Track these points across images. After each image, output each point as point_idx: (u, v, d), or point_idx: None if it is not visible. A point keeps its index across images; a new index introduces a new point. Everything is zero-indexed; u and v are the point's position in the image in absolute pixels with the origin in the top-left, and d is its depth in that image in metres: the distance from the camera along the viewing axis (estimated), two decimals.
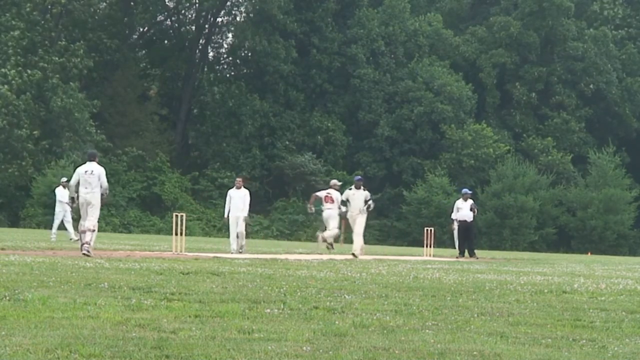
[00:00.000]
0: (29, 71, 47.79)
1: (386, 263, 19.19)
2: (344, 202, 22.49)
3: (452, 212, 38.63)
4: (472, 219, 26.54)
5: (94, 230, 17.05)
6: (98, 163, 17.60)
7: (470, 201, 26.65)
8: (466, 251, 26.54)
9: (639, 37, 66.24)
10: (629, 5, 66.99)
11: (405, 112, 58.21)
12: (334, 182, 23.81)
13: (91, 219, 17.10)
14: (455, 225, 36.78)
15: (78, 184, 17.42)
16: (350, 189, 22.61)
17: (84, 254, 16.38)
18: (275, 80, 57.91)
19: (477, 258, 26.22)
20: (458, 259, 25.12)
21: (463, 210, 26.28)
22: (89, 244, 16.77)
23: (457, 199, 27.53)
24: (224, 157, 56.22)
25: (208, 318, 7.26)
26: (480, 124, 58.84)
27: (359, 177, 23.96)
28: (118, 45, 55.48)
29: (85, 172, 17.33)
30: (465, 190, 27.94)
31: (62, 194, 27.47)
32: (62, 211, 27.40)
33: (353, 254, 21.38)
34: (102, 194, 17.33)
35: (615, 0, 66.22)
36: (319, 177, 55.39)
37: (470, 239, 27.03)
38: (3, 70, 47.33)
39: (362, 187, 22.53)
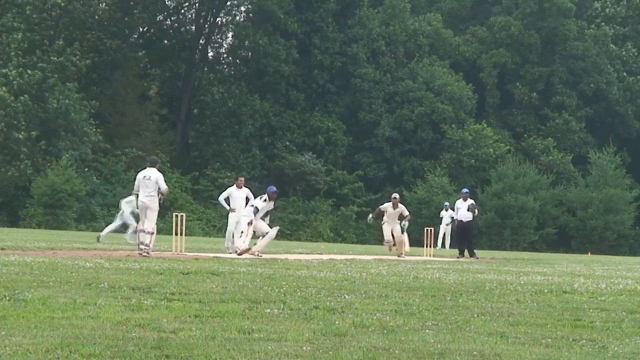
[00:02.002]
0: (29, 72, 47.76)
1: (386, 263, 19.20)
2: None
3: (442, 211, 38.66)
4: (470, 219, 26.43)
5: (152, 233, 18.20)
6: (158, 169, 18.89)
7: (469, 201, 26.59)
8: (466, 251, 26.54)
9: (639, 37, 66.23)
10: (630, 7, 66.90)
11: (405, 112, 58.20)
12: (395, 195, 26.43)
13: (149, 223, 18.28)
14: (445, 225, 36.97)
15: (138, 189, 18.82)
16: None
17: (141, 254, 17.51)
18: (275, 80, 57.89)
19: (477, 258, 26.22)
20: (458, 259, 25.15)
21: (461, 210, 26.25)
22: (148, 246, 17.94)
23: (457, 199, 27.50)
24: (224, 157, 56.20)
25: (208, 318, 7.26)
26: (480, 124, 58.82)
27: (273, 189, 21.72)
28: (118, 44, 55.44)
29: (144, 177, 18.61)
30: (464, 190, 27.91)
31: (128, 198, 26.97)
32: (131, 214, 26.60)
33: (259, 255, 20.12)
34: (160, 197, 18.60)
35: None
36: (319, 177, 55.39)
37: (470, 239, 26.95)
38: (4, 70, 47.30)
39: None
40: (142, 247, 17.93)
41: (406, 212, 25.61)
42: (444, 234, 38.02)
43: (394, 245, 25.35)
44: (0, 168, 46.43)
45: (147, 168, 18.87)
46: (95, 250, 19.66)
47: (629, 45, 64.26)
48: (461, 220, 26.19)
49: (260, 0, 56.78)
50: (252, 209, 20.91)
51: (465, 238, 26.55)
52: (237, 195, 21.65)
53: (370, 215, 26.60)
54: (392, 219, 25.23)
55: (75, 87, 50.09)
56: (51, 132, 48.98)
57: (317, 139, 57.64)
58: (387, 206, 25.39)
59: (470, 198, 27.00)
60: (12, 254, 15.59)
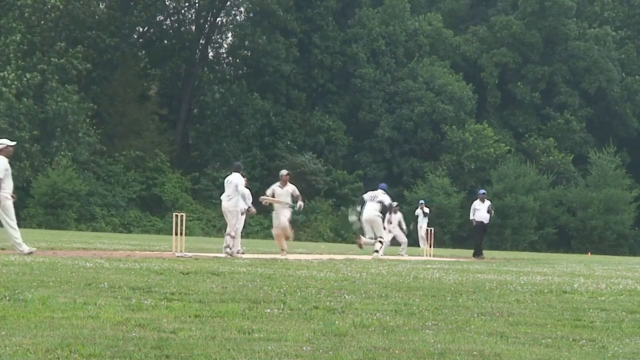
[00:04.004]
0: (27, 75, 47.78)
1: (386, 263, 19.20)
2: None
3: (417, 210, 38.93)
4: (488, 221, 26.74)
5: (233, 237, 19.15)
6: (241, 174, 19.63)
7: (487, 202, 26.80)
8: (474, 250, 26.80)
9: (639, 37, 66.29)
10: (629, 7, 66.91)
11: (405, 112, 58.19)
12: (282, 171, 22.16)
13: (230, 225, 19.22)
14: (420, 229, 37.09)
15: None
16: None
17: (231, 254, 18.81)
18: (275, 80, 57.91)
19: (483, 258, 26.34)
20: (482, 259, 25.38)
21: (481, 211, 26.39)
22: (230, 248, 18.98)
23: (474, 200, 27.58)
24: (224, 157, 56.21)
25: (208, 318, 7.26)
26: (481, 124, 58.79)
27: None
28: (117, 43, 55.45)
29: (227, 181, 19.55)
30: (482, 191, 28.14)
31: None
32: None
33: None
34: (244, 202, 19.58)
35: (614, 1, 66.26)
36: (319, 177, 55.37)
37: (482, 239, 27.32)
38: (3, 73, 47.32)
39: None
40: (228, 250, 18.92)
41: (297, 192, 21.32)
42: (422, 234, 38.20)
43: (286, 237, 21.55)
44: None
45: (232, 173, 19.70)
46: (95, 250, 19.67)
47: (629, 44, 64.29)
48: (482, 222, 26.38)
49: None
50: (379, 206, 22.32)
51: (481, 238, 26.85)
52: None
53: (262, 197, 22.29)
54: (283, 201, 21.11)
55: (75, 89, 50.14)
56: (49, 133, 49.04)
57: (317, 139, 57.64)
58: (274, 186, 21.28)
59: (487, 199, 27.24)
60: (12, 254, 15.60)
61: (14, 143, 17.66)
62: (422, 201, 39.39)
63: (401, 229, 28.11)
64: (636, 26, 66.72)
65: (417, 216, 38.22)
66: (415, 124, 58.21)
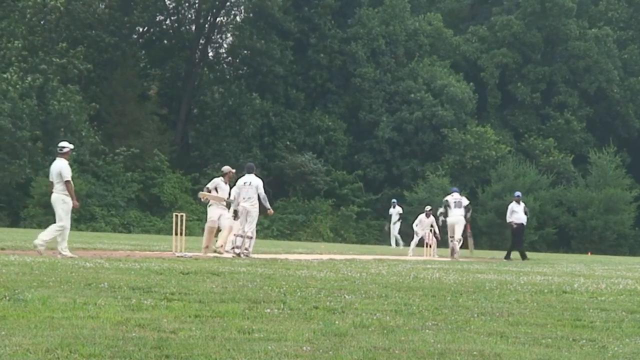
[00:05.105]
0: (29, 77, 47.85)
1: (386, 263, 19.20)
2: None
3: (391, 209, 39.34)
4: (525, 222, 27.15)
5: (251, 237, 19.25)
6: (256, 175, 19.69)
7: (522, 204, 27.17)
8: (510, 253, 27.05)
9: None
10: (634, 8, 66.88)
11: (406, 114, 58.12)
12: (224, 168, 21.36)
13: (249, 227, 19.13)
14: (393, 224, 37.56)
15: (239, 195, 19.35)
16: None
17: (239, 254, 18.80)
18: (273, 80, 57.89)
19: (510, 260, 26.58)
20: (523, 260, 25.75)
21: (519, 213, 26.78)
22: (248, 250, 19.08)
23: (510, 202, 27.86)
24: (224, 157, 56.16)
25: (208, 318, 7.26)
26: (483, 126, 58.71)
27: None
28: (117, 42, 55.43)
29: (244, 183, 19.26)
30: (517, 193, 28.60)
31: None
32: None
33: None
34: (261, 203, 19.31)
35: (619, 2, 66.23)
36: (319, 177, 55.38)
37: (522, 241, 27.66)
38: (5, 75, 47.36)
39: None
40: (236, 250, 18.88)
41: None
42: (396, 233, 38.58)
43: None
44: (3, 165, 46.56)
45: (246, 174, 19.49)
46: (95, 250, 19.69)
47: (632, 45, 64.31)
48: (522, 223, 26.77)
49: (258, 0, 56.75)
50: (463, 211, 25.01)
51: (521, 240, 27.25)
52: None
53: (201, 193, 21.44)
54: (221, 197, 20.34)
55: (76, 89, 50.17)
56: (50, 134, 49.08)
57: (317, 139, 57.62)
58: (218, 180, 20.71)
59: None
60: (12, 254, 15.62)
61: (72, 146, 18.44)
62: (394, 200, 39.51)
63: (433, 232, 28.18)
64: (639, 26, 66.68)
65: (391, 215, 38.42)
66: (415, 127, 58.16)
